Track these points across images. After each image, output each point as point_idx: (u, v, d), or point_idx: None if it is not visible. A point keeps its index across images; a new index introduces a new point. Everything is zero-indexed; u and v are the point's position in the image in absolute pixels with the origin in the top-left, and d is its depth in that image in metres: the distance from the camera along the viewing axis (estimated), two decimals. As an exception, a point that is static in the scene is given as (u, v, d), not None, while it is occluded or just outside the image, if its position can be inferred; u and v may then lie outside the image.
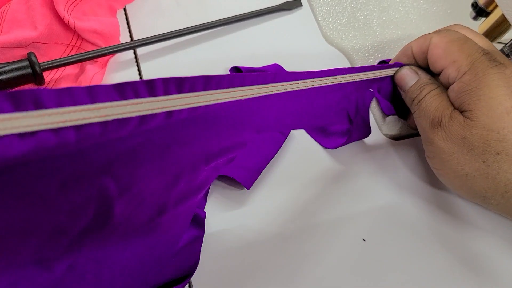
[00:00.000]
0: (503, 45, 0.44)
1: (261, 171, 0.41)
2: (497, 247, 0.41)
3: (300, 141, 0.44)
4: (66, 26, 0.44)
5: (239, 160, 0.41)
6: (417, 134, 0.46)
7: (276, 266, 0.38)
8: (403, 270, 0.39)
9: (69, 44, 0.45)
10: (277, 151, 0.43)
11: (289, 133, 0.44)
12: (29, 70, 0.41)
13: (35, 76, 0.41)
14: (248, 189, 0.40)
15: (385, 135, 0.45)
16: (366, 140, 0.45)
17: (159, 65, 0.46)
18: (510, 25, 0.42)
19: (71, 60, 0.43)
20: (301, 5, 0.52)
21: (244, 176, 0.40)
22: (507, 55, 0.45)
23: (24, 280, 0.29)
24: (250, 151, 0.41)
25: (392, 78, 0.42)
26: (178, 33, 0.47)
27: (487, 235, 0.41)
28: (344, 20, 0.52)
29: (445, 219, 0.42)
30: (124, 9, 0.49)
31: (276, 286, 0.37)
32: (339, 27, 0.51)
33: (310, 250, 0.39)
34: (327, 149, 0.44)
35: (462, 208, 0.42)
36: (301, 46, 0.49)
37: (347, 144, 0.43)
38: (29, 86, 0.42)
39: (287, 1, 0.52)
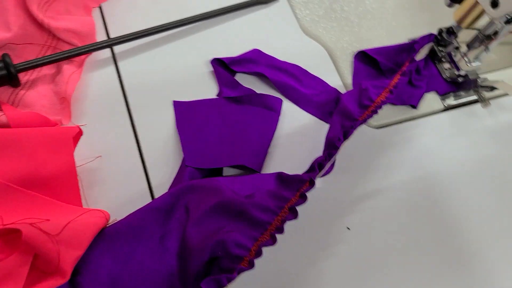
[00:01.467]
0: (478, 31, 0.45)
1: (267, 152, 0.42)
2: (481, 226, 0.42)
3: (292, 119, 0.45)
4: (40, 26, 0.43)
5: (244, 147, 0.42)
6: (397, 122, 0.46)
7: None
8: (390, 258, 0.39)
9: (45, 45, 0.44)
10: (275, 129, 0.44)
11: (280, 109, 0.45)
12: (4, 71, 0.40)
13: (10, 77, 0.40)
14: (260, 172, 0.41)
15: (370, 125, 0.46)
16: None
17: (138, 62, 0.46)
18: (484, 10, 0.43)
19: (47, 60, 0.42)
20: (278, -2, 0.52)
21: (253, 161, 0.42)
22: (482, 41, 0.45)
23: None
24: (251, 134, 0.43)
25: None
26: (156, 30, 0.47)
27: (473, 218, 0.42)
28: (322, 11, 0.52)
29: (429, 204, 0.42)
30: (100, 7, 0.49)
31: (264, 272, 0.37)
32: (316, 19, 0.51)
33: (295, 242, 0.39)
34: (316, 134, 0.44)
35: (450, 194, 0.43)
36: (279, 39, 0.49)
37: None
38: (4, 87, 0.42)
39: (264, -5, 0.52)
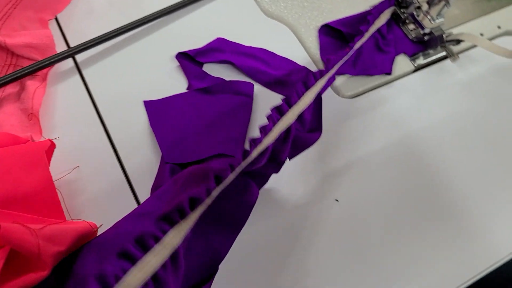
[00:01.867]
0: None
1: (245, 138, 0.42)
2: (468, 194, 0.42)
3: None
4: (-3, 45, 0.42)
5: (221, 136, 0.41)
6: (371, 89, 0.46)
7: (251, 233, 0.38)
8: (379, 228, 0.39)
9: (5, 64, 0.43)
10: (250, 114, 0.43)
11: (252, 93, 0.44)
12: (-34, 96, 0.39)
13: (-27, 101, 0.39)
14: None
15: (344, 96, 0.46)
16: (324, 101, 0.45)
17: (102, 68, 0.45)
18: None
19: (9, 78, 0.41)
20: (234, -16, 0.52)
21: (231, 148, 0.41)
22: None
23: None
24: (226, 123, 0.42)
25: None
26: (116, 33, 0.46)
27: (457, 171, 0.42)
28: (280, -9, 0.52)
29: (412, 170, 0.42)
30: (56, 18, 0.48)
31: (253, 251, 0.37)
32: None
33: (285, 219, 0.39)
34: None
35: (432, 152, 0.43)
36: (241, 24, 0.49)
37: None
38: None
39: (221, -17, 0.51)
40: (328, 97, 0.46)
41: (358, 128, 0.44)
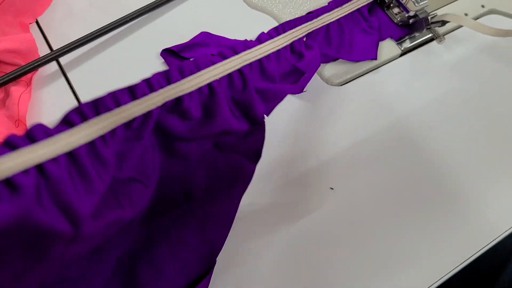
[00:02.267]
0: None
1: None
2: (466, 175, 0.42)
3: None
4: (-23, 52, 0.42)
5: None
6: (359, 75, 0.46)
7: (249, 227, 0.38)
8: (374, 214, 0.40)
9: (-13, 70, 0.43)
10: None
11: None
12: (-51, 106, 0.38)
13: (-43, 110, 0.39)
14: None
15: (332, 83, 0.46)
16: (313, 91, 0.45)
17: (88, 69, 0.45)
18: None
19: (-8, 85, 0.41)
20: (216, -23, 0.51)
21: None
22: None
23: None
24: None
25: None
26: (99, 33, 0.45)
27: (451, 153, 0.42)
28: (262, -19, 0.51)
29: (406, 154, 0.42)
30: (36, 21, 0.47)
31: (251, 242, 0.37)
32: (259, -10, 0.50)
33: (279, 209, 0.39)
34: (278, 106, 0.43)
35: (423, 135, 0.43)
36: (225, 17, 0.49)
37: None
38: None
39: (202, -24, 0.51)
40: (316, 85, 0.45)
41: (348, 115, 0.44)
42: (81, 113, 0.29)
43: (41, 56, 0.43)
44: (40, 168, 0.26)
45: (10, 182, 0.24)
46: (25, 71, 0.42)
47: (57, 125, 0.28)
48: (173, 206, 0.37)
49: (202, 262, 0.36)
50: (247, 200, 0.38)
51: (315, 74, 0.46)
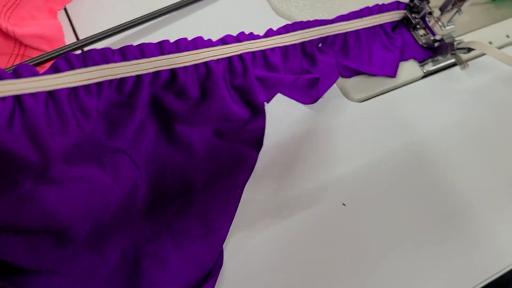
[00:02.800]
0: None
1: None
2: (478, 204, 0.42)
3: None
4: (5, 34, 0.42)
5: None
6: (379, 93, 0.46)
7: (259, 242, 0.38)
8: (385, 233, 0.40)
9: (12, 53, 0.43)
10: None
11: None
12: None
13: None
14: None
15: (352, 99, 0.46)
16: (333, 105, 0.45)
17: (111, 61, 0.45)
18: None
19: (17, 69, 0.41)
20: (246, -19, 0.51)
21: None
22: (454, 4, 0.45)
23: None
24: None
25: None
26: (125, 26, 0.45)
27: (463, 179, 0.43)
28: (292, -10, 0.51)
29: (421, 176, 0.43)
30: (65, 9, 0.47)
31: (262, 255, 0.37)
32: (287, -2, 0.51)
33: (291, 224, 0.39)
34: (297, 118, 0.44)
35: (438, 159, 0.43)
36: (253, 22, 0.48)
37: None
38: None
39: (232, -21, 0.51)
40: (336, 99, 0.46)
41: (366, 132, 0.44)
42: (68, 62, 0.31)
43: (67, 44, 0.43)
44: (17, 99, 0.27)
45: None
46: (49, 58, 0.42)
47: (45, 70, 0.30)
48: (176, 196, 0.37)
49: (206, 252, 0.36)
50: (258, 217, 0.39)
51: (337, 88, 0.46)
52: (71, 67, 0.30)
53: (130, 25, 0.45)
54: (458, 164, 0.43)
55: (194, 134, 0.38)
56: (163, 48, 0.34)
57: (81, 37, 0.46)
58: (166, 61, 0.34)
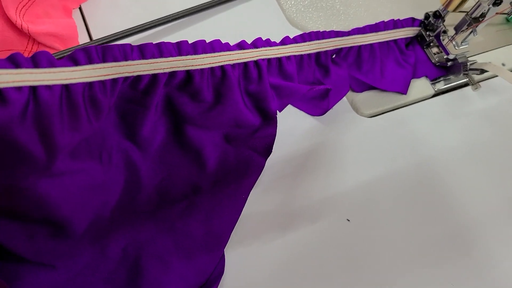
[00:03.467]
0: (465, 13, 0.45)
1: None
2: (482, 217, 0.42)
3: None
4: (19, 31, 0.42)
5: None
6: (389, 110, 0.46)
7: (263, 254, 0.38)
8: (389, 251, 0.39)
9: (25, 50, 0.43)
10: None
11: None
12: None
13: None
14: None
15: (362, 114, 0.46)
16: (342, 119, 0.45)
17: (123, 63, 0.45)
18: (470, -7, 0.43)
19: (29, 66, 0.41)
20: (262, -11, 0.51)
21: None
22: (469, 24, 0.45)
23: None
24: None
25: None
26: (139, 29, 0.45)
27: (470, 202, 0.42)
28: (307, 1, 0.51)
29: (427, 192, 0.42)
30: (80, 8, 0.47)
31: (266, 270, 0.37)
32: (302, 9, 0.51)
33: (295, 237, 0.38)
34: (306, 131, 0.43)
35: (445, 179, 0.43)
36: (266, 31, 0.48)
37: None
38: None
39: (248, -13, 0.51)
40: (346, 113, 0.45)
41: (374, 148, 0.44)
42: (87, 54, 0.30)
43: (80, 44, 0.44)
44: (33, 90, 0.27)
45: (2, 94, 0.25)
46: (61, 57, 0.42)
47: (63, 59, 0.29)
48: (181, 198, 0.37)
49: (208, 255, 0.36)
50: (262, 231, 0.38)
51: (347, 102, 0.46)
52: (89, 60, 0.30)
53: (143, 28, 0.45)
54: (465, 185, 0.43)
55: (205, 138, 0.38)
56: (181, 48, 0.34)
57: (94, 37, 0.46)
58: (183, 62, 0.34)
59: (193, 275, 0.35)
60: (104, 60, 0.30)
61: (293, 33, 0.48)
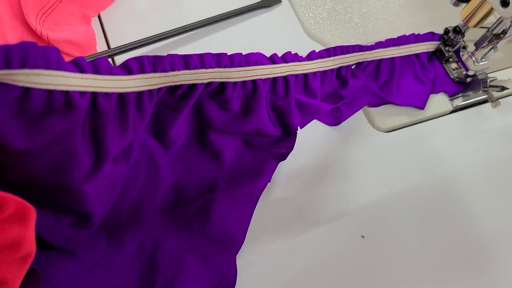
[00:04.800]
0: (486, 29, 0.44)
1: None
2: (497, 235, 0.41)
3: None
4: (38, 38, 0.42)
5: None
6: (406, 125, 0.45)
7: (274, 264, 0.37)
8: (404, 268, 0.39)
9: (44, 57, 0.43)
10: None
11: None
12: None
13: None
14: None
15: (379, 129, 0.45)
16: (358, 134, 0.44)
17: (139, 72, 0.45)
18: (491, 9, 0.42)
19: (47, 73, 0.41)
20: (280, 1, 0.51)
21: None
22: (490, 40, 0.44)
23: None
24: None
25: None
26: (157, 38, 0.45)
27: (486, 219, 0.41)
28: (325, 14, 0.51)
29: (442, 209, 0.41)
30: (99, 16, 0.47)
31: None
32: (320, 21, 0.50)
33: (308, 252, 0.38)
34: (321, 144, 0.43)
35: (462, 197, 0.42)
36: (283, 42, 0.48)
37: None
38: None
39: (266, -2, 0.51)
40: (362, 128, 0.45)
41: (390, 163, 0.43)
42: (140, 64, 0.31)
43: (98, 51, 0.44)
44: (94, 97, 0.27)
45: (68, 98, 0.25)
46: (80, 64, 0.42)
47: (116, 67, 0.29)
48: (197, 196, 0.38)
49: (223, 255, 0.36)
50: (276, 248, 0.38)
51: (363, 117, 0.45)
52: (141, 70, 0.31)
53: (161, 37, 0.46)
54: (482, 203, 0.42)
55: (225, 142, 0.39)
56: (220, 61, 0.35)
57: (112, 45, 0.46)
58: (220, 74, 0.35)
59: (207, 274, 0.36)
60: (154, 69, 0.31)
61: (310, 45, 0.49)
